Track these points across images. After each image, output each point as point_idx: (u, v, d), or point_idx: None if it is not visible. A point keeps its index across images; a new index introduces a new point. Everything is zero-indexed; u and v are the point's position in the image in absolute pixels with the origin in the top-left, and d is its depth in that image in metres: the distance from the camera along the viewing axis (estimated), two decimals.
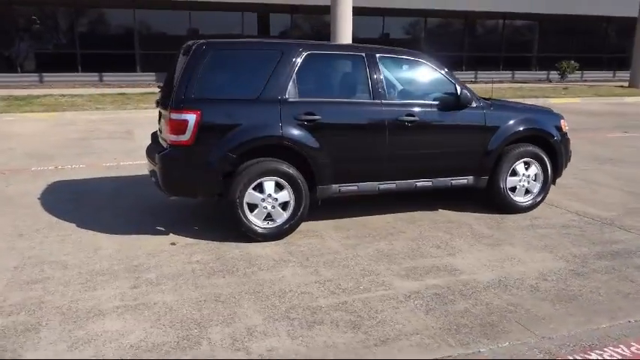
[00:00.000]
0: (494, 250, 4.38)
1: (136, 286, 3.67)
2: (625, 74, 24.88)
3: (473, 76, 24.64)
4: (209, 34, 21.33)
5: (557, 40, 26.48)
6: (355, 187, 4.79)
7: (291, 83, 4.49)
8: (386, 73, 4.82)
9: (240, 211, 4.38)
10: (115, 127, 11.40)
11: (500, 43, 26.09)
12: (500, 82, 22.38)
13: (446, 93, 5.01)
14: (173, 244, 4.48)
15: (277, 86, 4.46)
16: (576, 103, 17.26)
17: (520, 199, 5.38)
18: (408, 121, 4.79)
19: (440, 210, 5.47)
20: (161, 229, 4.86)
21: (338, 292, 3.57)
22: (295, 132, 4.44)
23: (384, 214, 5.30)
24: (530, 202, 5.41)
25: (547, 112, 5.63)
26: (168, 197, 4.72)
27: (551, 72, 25.77)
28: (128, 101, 14.67)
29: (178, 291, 3.59)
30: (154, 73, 20.71)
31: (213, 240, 4.55)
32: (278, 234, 4.53)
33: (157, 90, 6.01)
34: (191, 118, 4.21)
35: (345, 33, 16.22)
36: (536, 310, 3.32)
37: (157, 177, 4.63)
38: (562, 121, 5.55)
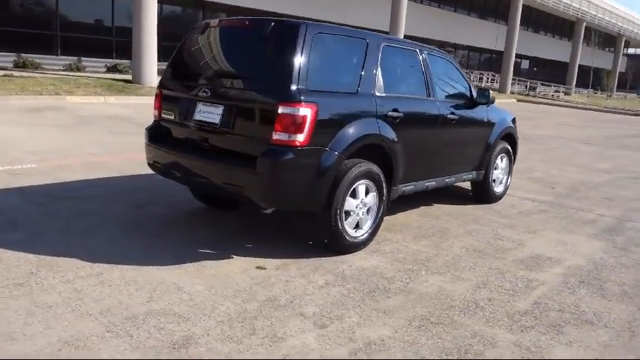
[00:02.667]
0: (540, 237, 4.85)
1: (322, 324, 2.92)
2: None
3: None
4: None
5: None
6: (412, 187, 4.65)
7: (378, 76, 4.10)
8: (432, 70, 4.79)
9: (339, 220, 3.82)
10: None
11: None
12: None
13: (466, 91, 5.26)
14: (262, 268, 3.64)
15: (369, 79, 4.02)
16: None
17: (497, 189, 6.00)
18: (452, 119, 4.88)
19: (435, 205, 5.69)
20: (211, 251, 3.86)
21: (514, 294, 3.51)
22: (387, 130, 4.09)
23: (399, 212, 5.24)
24: (502, 191, 6.09)
25: (507, 111, 6.38)
26: (262, 210, 3.77)
27: None
28: None
29: (396, 323, 3.00)
30: None
31: (297, 257, 3.85)
32: (366, 242, 4.11)
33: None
34: (309, 113, 3.47)
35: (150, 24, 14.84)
36: None
37: (219, 182, 3.69)
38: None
